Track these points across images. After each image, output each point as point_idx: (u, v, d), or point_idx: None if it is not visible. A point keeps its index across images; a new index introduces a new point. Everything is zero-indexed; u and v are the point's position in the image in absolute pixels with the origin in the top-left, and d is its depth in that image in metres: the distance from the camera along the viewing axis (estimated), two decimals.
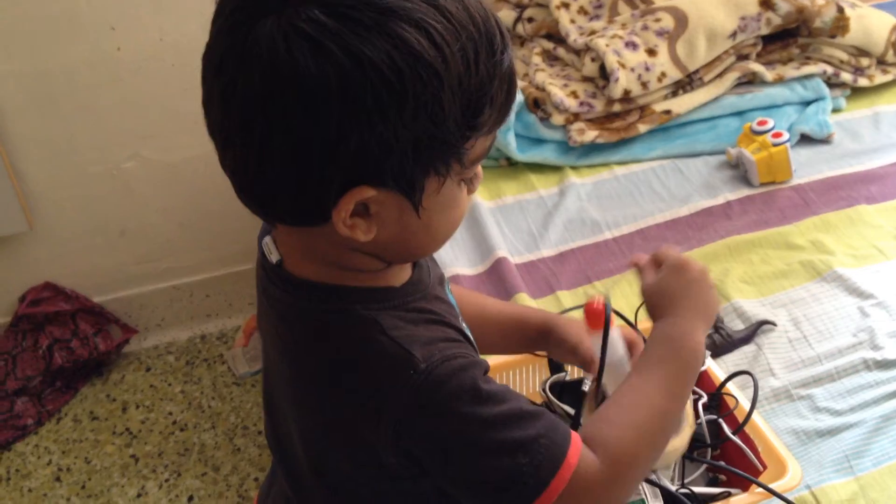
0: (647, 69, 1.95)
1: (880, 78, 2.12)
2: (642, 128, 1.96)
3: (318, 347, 0.85)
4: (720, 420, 1.17)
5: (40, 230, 2.28)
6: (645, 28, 2.01)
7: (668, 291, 0.96)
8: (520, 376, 1.33)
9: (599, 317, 0.99)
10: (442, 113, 0.73)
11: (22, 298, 2.32)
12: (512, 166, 1.98)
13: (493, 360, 1.32)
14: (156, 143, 2.26)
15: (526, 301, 1.59)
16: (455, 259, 1.72)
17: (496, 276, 1.67)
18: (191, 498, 2.04)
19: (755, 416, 1.16)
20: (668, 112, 1.98)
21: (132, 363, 2.40)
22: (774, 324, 1.48)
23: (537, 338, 1.15)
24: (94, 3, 2.07)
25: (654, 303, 0.96)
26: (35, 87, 2.13)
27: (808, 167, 1.87)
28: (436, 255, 1.72)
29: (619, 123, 1.97)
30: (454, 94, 0.73)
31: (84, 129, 2.21)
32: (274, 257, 0.88)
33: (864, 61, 2.11)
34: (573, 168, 1.96)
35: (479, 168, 0.85)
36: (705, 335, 0.93)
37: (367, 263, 0.84)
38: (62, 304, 2.32)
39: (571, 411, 1.18)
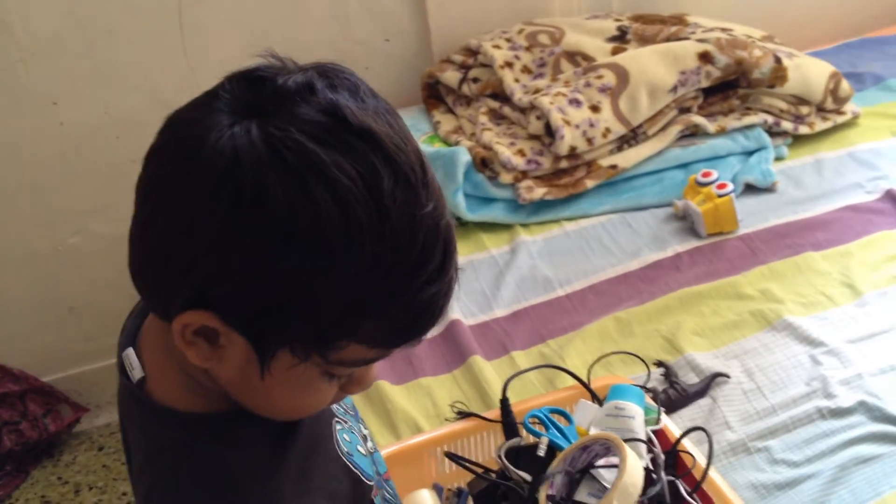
0: (592, 125, 1.97)
1: (820, 125, 2.15)
2: (590, 183, 1.98)
3: (152, 473, 0.78)
4: (677, 480, 1.16)
5: None
6: (587, 85, 2.03)
7: None
8: (475, 442, 1.31)
9: None
10: (317, 293, 0.66)
11: None
12: (462, 226, 1.98)
13: (447, 427, 1.31)
14: (102, 217, 2.24)
15: (480, 364, 1.57)
16: None
17: (450, 340, 1.66)
18: None
19: (713, 474, 1.15)
20: (614, 167, 1.99)
21: (83, 443, 2.34)
22: (728, 376, 1.48)
23: None
24: (35, 77, 2.06)
25: None
26: None
27: (754, 216, 1.89)
28: None
29: (567, 180, 1.98)
30: (341, 284, 0.65)
31: (28, 205, 2.19)
32: (136, 374, 0.79)
33: (804, 109, 2.15)
34: (523, 225, 1.96)
35: (366, 374, 0.79)
36: None
37: (215, 384, 0.76)
38: (10, 385, 2.26)
39: (528, 477, 1.16)
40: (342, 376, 0.76)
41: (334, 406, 0.92)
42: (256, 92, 0.68)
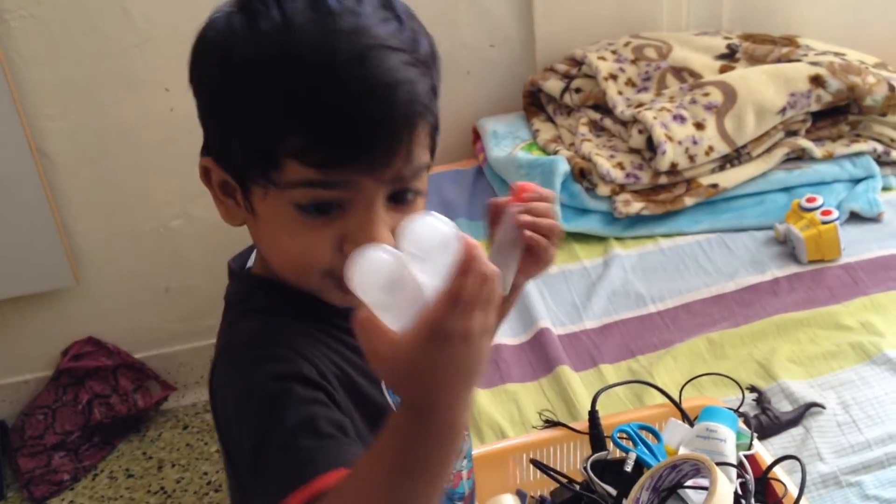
0: (695, 142, 1.95)
1: None
2: (689, 201, 1.95)
3: (220, 325, 0.89)
4: None
5: (86, 285, 2.30)
6: (693, 102, 2.01)
7: (416, 367, 0.63)
8: (560, 453, 1.30)
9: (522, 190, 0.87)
10: (243, 108, 0.77)
11: (65, 352, 2.34)
12: None
13: (534, 435, 1.31)
14: (203, 202, 2.27)
15: (568, 374, 1.57)
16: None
17: (538, 347, 1.65)
18: None
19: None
20: (715, 186, 1.97)
21: (170, 420, 2.40)
22: (823, 406, 1.45)
23: None
24: (150, 64, 2.12)
25: (398, 376, 0.65)
26: (89, 144, 2.18)
27: (857, 245, 1.84)
28: None
29: (666, 196, 1.96)
30: (266, 101, 0.75)
31: (135, 187, 2.25)
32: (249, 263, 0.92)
33: None
34: (618, 239, 1.95)
35: (357, 230, 0.77)
36: (465, 408, 0.66)
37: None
38: (103, 360, 2.33)
39: (613, 491, 1.15)
40: (304, 207, 0.78)
41: None
42: None
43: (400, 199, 0.80)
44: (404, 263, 0.63)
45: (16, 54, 2.06)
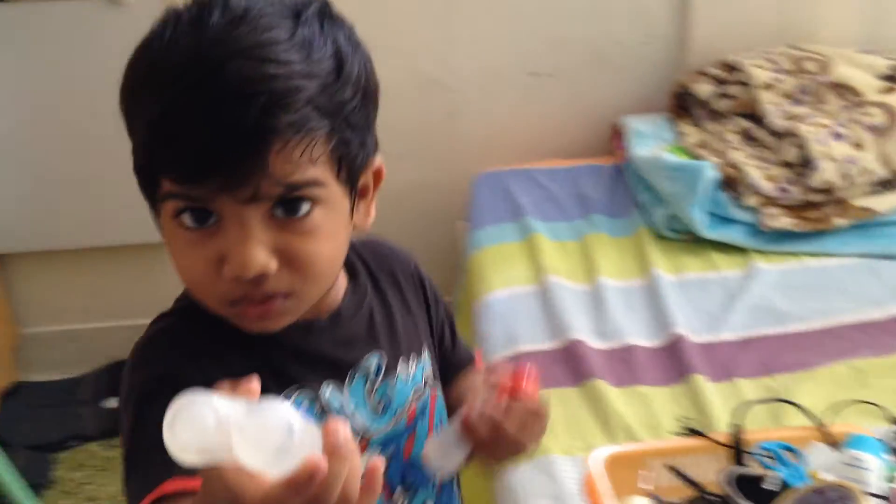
0: (852, 163, 1.89)
1: None
2: (839, 222, 1.90)
3: None
4: None
5: None
6: (854, 121, 1.95)
7: None
8: (695, 462, 1.29)
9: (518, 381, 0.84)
10: (131, 129, 0.75)
11: None
12: (695, 242, 1.94)
13: (669, 442, 1.30)
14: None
15: (702, 384, 1.54)
16: (631, 330, 1.69)
17: (674, 353, 1.63)
18: None
19: None
20: (868, 209, 1.91)
21: None
22: None
23: None
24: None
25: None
26: None
27: None
28: (612, 325, 1.68)
29: (816, 214, 1.91)
30: (138, 118, 0.74)
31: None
32: None
33: None
34: (760, 252, 1.90)
35: (227, 246, 0.73)
36: None
37: None
38: None
39: None
40: (184, 226, 0.74)
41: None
42: None
43: (292, 210, 0.73)
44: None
45: None
